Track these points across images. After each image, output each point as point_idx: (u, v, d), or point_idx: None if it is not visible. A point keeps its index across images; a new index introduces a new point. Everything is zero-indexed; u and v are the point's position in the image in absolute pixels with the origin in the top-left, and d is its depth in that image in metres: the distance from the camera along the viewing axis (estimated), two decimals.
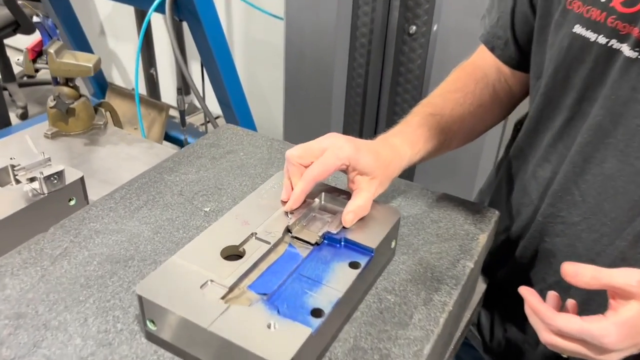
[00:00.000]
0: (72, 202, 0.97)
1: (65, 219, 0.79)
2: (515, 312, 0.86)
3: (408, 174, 1.27)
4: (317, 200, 0.75)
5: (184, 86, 2.62)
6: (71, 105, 1.23)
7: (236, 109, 1.90)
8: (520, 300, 0.71)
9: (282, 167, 0.92)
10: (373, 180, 0.72)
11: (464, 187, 1.77)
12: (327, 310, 0.59)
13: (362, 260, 0.66)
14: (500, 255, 0.87)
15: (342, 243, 0.68)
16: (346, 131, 1.81)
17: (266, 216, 0.71)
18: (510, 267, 0.85)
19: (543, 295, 0.65)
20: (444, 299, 0.70)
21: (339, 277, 0.63)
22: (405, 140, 0.77)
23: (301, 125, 1.99)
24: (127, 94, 2.47)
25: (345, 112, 1.88)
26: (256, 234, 0.68)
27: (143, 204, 0.84)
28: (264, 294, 0.61)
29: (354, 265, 0.65)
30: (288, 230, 0.70)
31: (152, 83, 2.92)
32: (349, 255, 0.67)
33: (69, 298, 0.67)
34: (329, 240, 0.69)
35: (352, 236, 0.68)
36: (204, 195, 0.86)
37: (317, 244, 0.68)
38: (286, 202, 0.72)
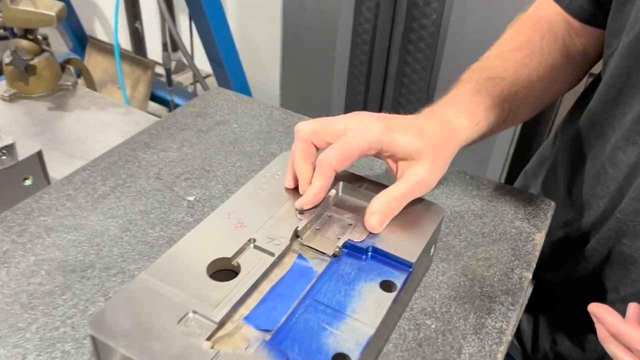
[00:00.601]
0: (28, 182, 0.80)
1: (7, 212, 0.62)
2: (569, 323, 0.70)
3: None
4: (332, 192, 0.57)
5: (171, 42, 2.41)
6: (31, 62, 1.03)
7: (228, 68, 1.70)
8: (578, 309, 0.55)
9: (285, 143, 0.75)
10: (419, 165, 0.54)
11: (477, 166, 1.60)
12: (354, 356, 0.42)
13: (398, 279, 0.49)
14: (554, 254, 0.71)
15: (369, 254, 0.51)
16: (350, 95, 1.62)
17: (268, 215, 0.54)
18: (568, 270, 0.68)
19: (616, 310, 0.49)
20: (500, 324, 0.53)
21: (368, 305, 0.47)
22: (460, 110, 0.57)
23: (300, 87, 1.80)
24: (109, 50, 2.26)
25: (349, 72, 1.68)
26: (255, 240, 0.51)
27: (110, 190, 0.66)
28: (266, 331, 0.44)
29: (387, 286, 0.49)
30: (297, 235, 0.52)
31: (138, 38, 2.70)
32: (379, 272, 0.50)
33: (4, 324, 0.50)
34: (351, 250, 0.52)
35: (382, 245, 0.51)
36: (188, 180, 0.68)
37: (335, 255, 0.51)
38: (291, 188, 0.56)
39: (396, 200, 0.54)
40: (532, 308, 0.78)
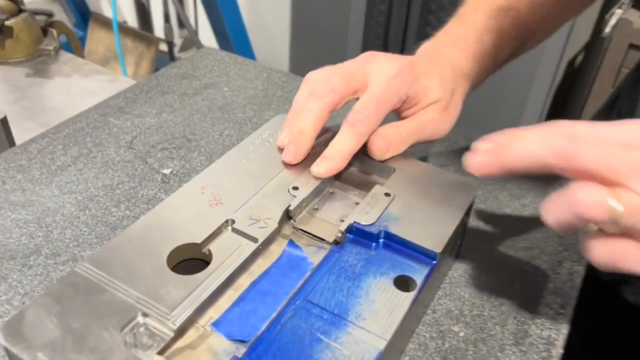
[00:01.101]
0: None
1: None
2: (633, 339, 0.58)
3: None
4: None
5: (178, 19, 2.29)
6: (7, 22, 0.92)
7: (234, 40, 1.58)
8: None
9: (284, 110, 0.63)
10: (431, 108, 0.48)
11: None
12: None
13: (418, 274, 0.37)
14: None
15: (381, 241, 0.40)
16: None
17: (252, 190, 0.42)
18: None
19: None
20: (547, 332, 0.41)
21: (379, 308, 0.35)
22: (469, 54, 0.50)
23: (310, 60, 1.67)
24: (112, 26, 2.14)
25: (363, 46, 1.56)
26: (233, 222, 0.39)
27: (71, 161, 0.55)
28: (241, 342, 0.33)
29: (403, 283, 0.37)
30: (288, 216, 0.41)
31: (144, 13, 2.59)
32: (393, 265, 0.38)
33: None
34: (357, 235, 0.40)
35: (399, 229, 0.39)
36: (165, 150, 0.57)
37: (337, 242, 0.40)
38: (284, 150, 0.46)
39: (405, 132, 0.44)
40: (583, 316, 0.65)
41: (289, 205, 0.41)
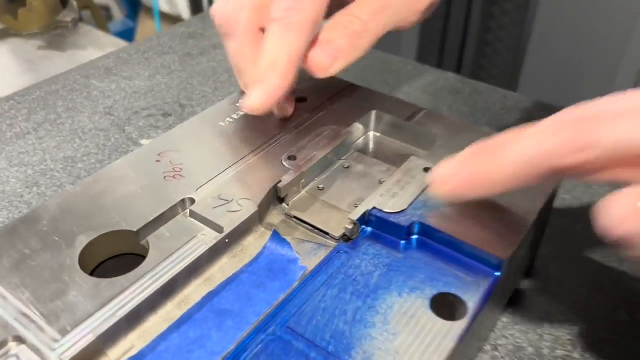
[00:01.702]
0: None
1: None
2: None
3: (509, 81, 0.80)
4: (358, 127, 0.32)
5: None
6: None
7: None
8: None
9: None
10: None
11: None
12: None
13: (471, 294, 0.23)
14: None
15: (415, 239, 0.26)
16: (424, 36, 1.27)
17: (229, 159, 0.29)
18: None
19: None
20: None
21: (405, 348, 0.21)
22: None
23: None
24: (165, 18, 2.08)
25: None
26: (193, 202, 0.26)
27: (33, 128, 0.44)
28: None
29: (446, 306, 0.23)
30: (278, 197, 0.28)
31: (196, 6, 2.52)
32: (432, 276, 0.24)
33: None
34: (378, 228, 0.26)
35: (443, 224, 0.25)
36: (150, 117, 0.45)
37: (346, 238, 0.26)
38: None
39: (360, 21, 0.29)
40: None
41: (279, 182, 0.27)
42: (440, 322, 0.22)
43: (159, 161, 0.29)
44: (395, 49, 0.79)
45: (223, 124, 0.32)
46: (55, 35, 0.90)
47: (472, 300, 0.23)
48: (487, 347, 0.28)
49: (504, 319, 0.29)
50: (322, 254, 0.25)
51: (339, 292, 0.23)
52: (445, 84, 0.49)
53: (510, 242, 0.24)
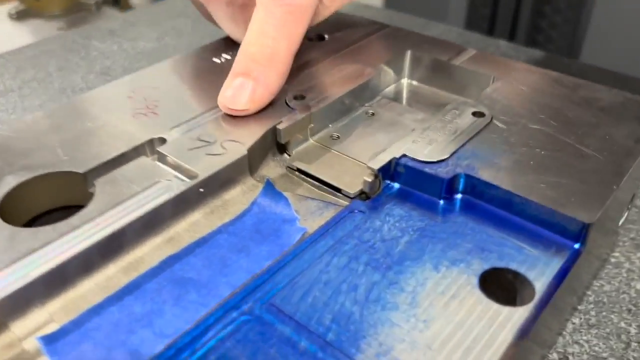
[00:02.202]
0: None
1: None
2: None
3: (569, 49, 0.70)
4: (386, 71, 0.25)
5: None
6: None
7: None
8: None
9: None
10: None
11: None
12: None
13: (540, 272, 0.16)
14: None
15: (459, 198, 0.19)
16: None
17: (210, 100, 0.23)
18: None
19: None
20: None
21: (440, 341, 0.14)
22: None
23: None
24: None
25: None
26: (163, 142, 0.20)
27: (18, 86, 0.38)
28: None
29: (505, 286, 0.16)
30: (278, 145, 0.21)
31: None
32: (483, 245, 0.17)
33: None
34: (408, 183, 0.19)
35: (500, 179, 0.18)
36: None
37: (365, 195, 0.19)
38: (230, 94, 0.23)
39: (271, 38, 0.22)
40: None
41: (279, 123, 0.21)
42: (494, 306, 0.15)
43: (131, 97, 0.23)
44: (440, 15, 0.71)
45: (218, 61, 0.26)
46: (77, 17, 0.86)
47: (540, 280, 0.16)
48: (554, 357, 0.20)
49: (575, 320, 0.22)
50: (330, 214, 0.19)
51: (349, 260, 0.17)
52: (496, 53, 0.42)
53: (595, 203, 0.17)
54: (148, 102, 0.22)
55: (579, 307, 0.23)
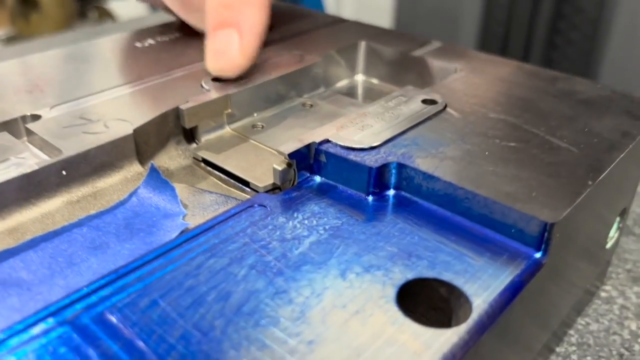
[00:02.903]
0: None
1: None
2: None
3: (586, 67, 0.64)
4: (336, 60, 0.22)
5: None
6: None
7: None
8: None
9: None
10: None
11: None
12: None
13: (480, 286, 0.12)
14: None
15: (391, 192, 0.14)
16: (487, 17, 1.09)
17: (124, 80, 0.19)
18: None
19: None
20: None
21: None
22: None
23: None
24: None
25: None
26: (36, 119, 0.16)
27: None
28: None
29: (427, 304, 0.11)
30: (186, 132, 0.17)
31: None
32: (407, 248, 0.13)
33: None
34: (329, 173, 0.15)
35: (438, 165, 0.14)
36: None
37: (276, 188, 0.15)
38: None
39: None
40: None
41: (185, 105, 0.17)
42: (413, 327, 0.11)
43: (25, 75, 0.19)
44: (452, 35, 0.68)
45: (140, 45, 0.22)
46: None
47: (481, 295, 0.12)
48: None
49: (566, 348, 0.17)
50: (227, 207, 0.15)
51: (230, 263, 0.12)
52: None
53: (562, 200, 0.13)
54: (37, 81, 0.19)
55: (557, 349, 0.18)
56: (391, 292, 0.12)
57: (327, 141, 0.15)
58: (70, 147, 0.15)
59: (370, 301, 0.11)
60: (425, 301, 0.12)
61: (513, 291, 0.12)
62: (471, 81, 0.19)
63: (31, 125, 0.16)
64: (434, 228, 0.13)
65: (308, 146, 0.15)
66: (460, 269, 0.12)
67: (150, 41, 0.23)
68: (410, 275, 0.12)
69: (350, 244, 0.13)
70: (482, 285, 0.12)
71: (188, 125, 0.17)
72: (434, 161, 0.14)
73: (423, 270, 0.12)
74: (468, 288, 0.12)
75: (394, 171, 0.14)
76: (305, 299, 0.11)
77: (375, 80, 0.23)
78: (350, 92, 0.22)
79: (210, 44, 0.19)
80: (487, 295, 0.12)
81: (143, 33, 0.23)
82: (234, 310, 0.11)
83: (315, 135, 0.15)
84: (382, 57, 0.22)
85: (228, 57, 0.18)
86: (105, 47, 0.22)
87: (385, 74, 0.22)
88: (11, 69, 0.20)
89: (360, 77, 0.23)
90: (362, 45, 0.22)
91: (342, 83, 0.22)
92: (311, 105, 0.20)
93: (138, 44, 0.22)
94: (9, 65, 0.20)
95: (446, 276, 0.12)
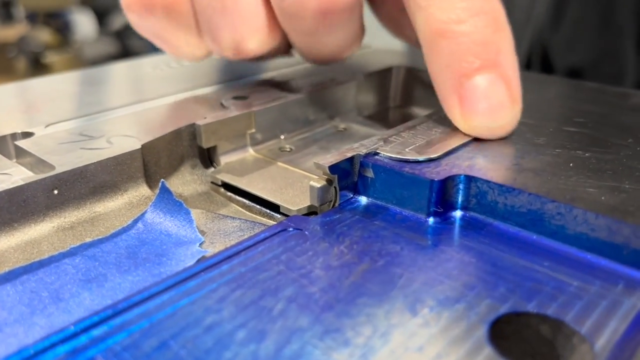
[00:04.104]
0: None
1: None
2: None
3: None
4: (369, 84, 0.20)
5: None
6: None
7: None
8: None
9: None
10: None
11: None
12: None
13: (596, 323, 0.09)
14: None
15: (457, 213, 0.12)
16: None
17: (135, 100, 0.17)
18: None
19: None
20: None
21: None
22: None
23: None
24: None
25: None
26: (28, 136, 0.14)
27: None
28: None
29: (535, 351, 0.08)
30: (202, 153, 0.15)
31: None
32: (496, 276, 0.10)
33: None
34: (378, 191, 0.12)
35: (516, 178, 0.11)
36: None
37: (311, 211, 0.12)
38: None
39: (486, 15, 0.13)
40: None
41: (205, 118, 0.15)
42: None
43: (21, 96, 0.17)
44: None
45: (151, 71, 0.20)
46: None
47: (601, 334, 0.09)
48: None
49: None
50: (251, 231, 0.12)
51: (262, 295, 0.10)
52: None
53: None
54: (38, 101, 0.17)
55: None
56: (481, 330, 0.09)
57: (375, 153, 0.13)
58: (65, 163, 0.12)
59: (455, 342, 0.08)
60: (519, 343, 0.09)
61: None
62: (527, 97, 0.17)
63: (21, 143, 0.13)
64: (519, 253, 0.11)
65: (351, 159, 0.12)
66: (565, 301, 0.09)
67: (164, 67, 0.20)
68: (503, 310, 0.09)
69: (415, 272, 0.10)
70: (599, 322, 0.09)
71: (206, 144, 0.15)
72: (510, 173, 0.12)
73: (517, 304, 0.09)
74: (581, 325, 0.09)
75: (461, 186, 0.12)
76: (366, 340, 0.08)
77: (415, 108, 0.20)
78: (386, 117, 0.20)
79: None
80: (609, 335, 0.09)
81: (156, 62, 0.21)
82: (271, 354, 0.08)
83: (359, 148, 0.13)
84: (422, 80, 0.20)
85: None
86: (112, 72, 0.20)
87: (424, 97, 0.20)
88: (6, 91, 0.18)
89: (396, 102, 0.20)
90: (401, 69, 0.20)
91: (378, 108, 0.20)
92: (345, 129, 0.17)
93: (149, 70, 0.20)
94: (4, 88, 0.18)
95: (550, 310, 0.09)
